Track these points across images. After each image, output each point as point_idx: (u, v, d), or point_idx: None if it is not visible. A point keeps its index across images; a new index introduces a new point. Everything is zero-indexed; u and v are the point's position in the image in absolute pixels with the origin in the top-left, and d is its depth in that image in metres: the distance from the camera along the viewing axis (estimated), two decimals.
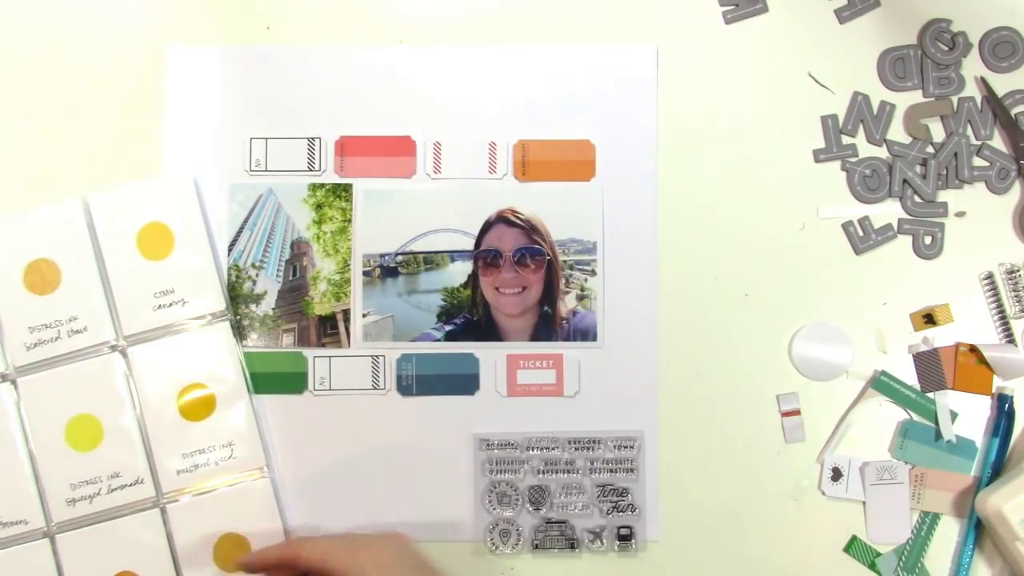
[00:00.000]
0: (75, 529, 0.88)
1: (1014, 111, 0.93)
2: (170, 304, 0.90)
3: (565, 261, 0.93)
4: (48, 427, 0.89)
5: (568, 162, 0.93)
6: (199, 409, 0.89)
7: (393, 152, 0.94)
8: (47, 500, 0.88)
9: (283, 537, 0.89)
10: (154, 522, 0.89)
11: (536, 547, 0.91)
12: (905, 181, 0.93)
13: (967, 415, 0.92)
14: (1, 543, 0.88)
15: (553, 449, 0.92)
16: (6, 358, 0.89)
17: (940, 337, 0.92)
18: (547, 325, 0.93)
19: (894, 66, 0.94)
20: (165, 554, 0.88)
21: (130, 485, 0.89)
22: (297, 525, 0.91)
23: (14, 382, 0.89)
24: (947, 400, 0.91)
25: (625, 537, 0.91)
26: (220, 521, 0.89)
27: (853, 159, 0.93)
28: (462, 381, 0.92)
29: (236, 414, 0.90)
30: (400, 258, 0.93)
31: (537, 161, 0.93)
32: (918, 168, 0.93)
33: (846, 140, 0.93)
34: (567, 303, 0.93)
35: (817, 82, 0.94)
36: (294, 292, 0.93)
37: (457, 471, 0.92)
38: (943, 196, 0.93)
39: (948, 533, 0.91)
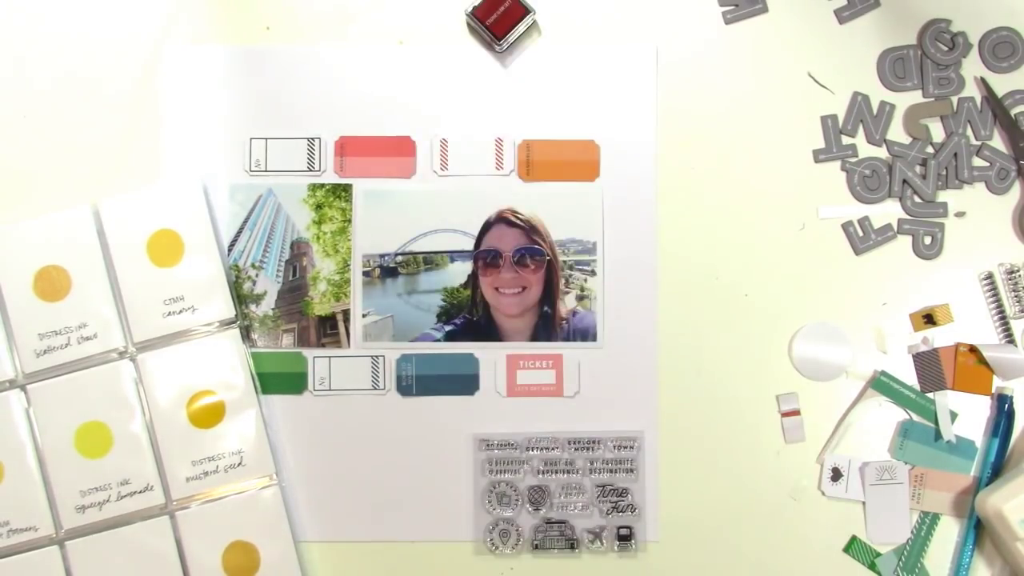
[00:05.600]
0: (84, 536, 0.88)
1: (1014, 111, 0.93)
2: (180, 311, 0.90)
3: (565, 261, 0.93)
4: (58, 434, 0.89)
5: (573, 162, 0.93)
6: (208, 416, 0.89)
7: (393, 152, 0.94)
8: (57, 507, 0.89)
9: (292, 546, 0.89)
10: (163, 529, 0.89)
11: (536, 547, 0.91)
12: (905, 181, 0.93)
13: (967, 415, 0.92)
14: (11, 550, 0.88)
15: (553, 449, 0.92)
16: (16, 365, 0.89)
17: (940, 337, 0.92)
18: (547, 325, 0.93)
19: (894, 66, 0.94)
20: (174, 561, 0.88)
21: (140, 492, 0.89)
22: (304, 530, 0.91)
23: (24, 389, 0.89)
24: (947, 400, 0.91)
25: (625, 537, 0.91)
26: (229, 529, 0.89)
27: (853, 159, 0.93)
28: (462, 381, 0.92)
29: (245, 421, 0.90)
30: (400, 258, 0.93)
31: (541, 161, 0.93)
32: (918, 168, 0.93)
33: (846, 140, 0.93)
34: (567, 303, 0.93)
35: (817, 82, 0.94)
36: (294, 292, 0.93)
37: (457, 471, 0.92)
38: (943, 196, 0.93)
39: (948, 533, 0.91)
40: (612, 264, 0.93)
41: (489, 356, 0.93)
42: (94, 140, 0.93)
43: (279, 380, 0.92)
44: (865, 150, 0.94)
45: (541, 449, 0.92)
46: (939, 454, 0.91)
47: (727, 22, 0.94)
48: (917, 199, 0.93)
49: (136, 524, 0.89)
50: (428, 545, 0.91)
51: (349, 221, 0.93)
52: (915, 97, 0.94)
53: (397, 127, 0.94)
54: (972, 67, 0.94)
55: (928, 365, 0.92)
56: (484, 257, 0.93)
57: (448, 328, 0.93)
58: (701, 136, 0.94)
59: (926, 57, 0.94)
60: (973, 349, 0.91)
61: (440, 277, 0.93)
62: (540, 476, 0.92)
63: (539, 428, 0.92)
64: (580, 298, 0.93)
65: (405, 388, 0.92)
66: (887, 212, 0.93)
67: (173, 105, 0.94)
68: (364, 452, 0.92)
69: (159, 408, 0.89)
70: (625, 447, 0.92)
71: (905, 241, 0.93)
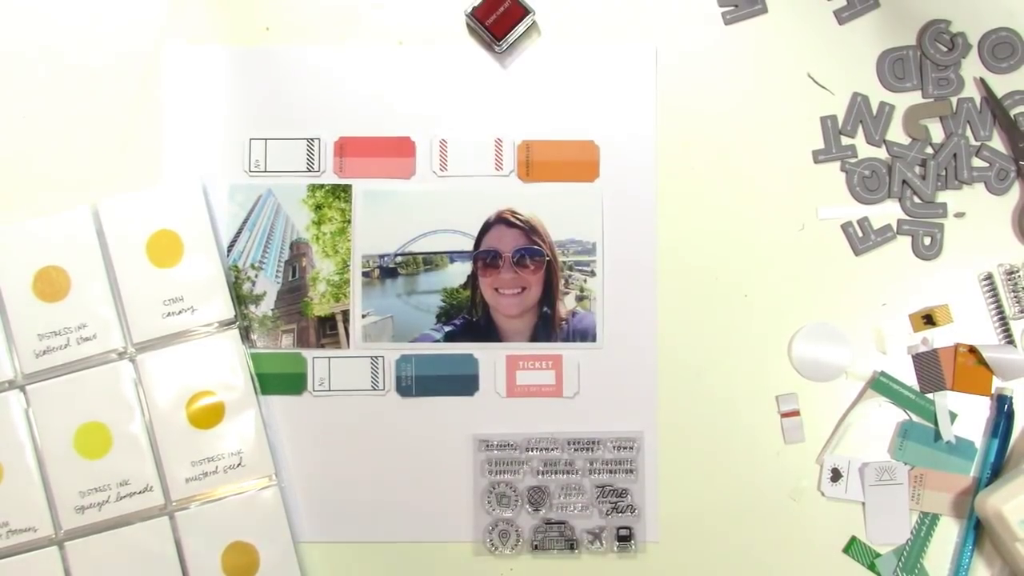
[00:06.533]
0: (84, 537, 0.88)
1: (1013, 112, 0.93)
2: (179, 312, 0.90)
3: (564, 262, 0.93)
4: (57, 434, 0.89)
5: (572, 163, 0.93)
6: (208, 417, 0.89)
7: (393, 153, 0.94)
8: (56, 507, 0.88)
9: (291, 546, 0.89)
10: (163, 530, 0.89)
11: (535, 548, 0.91)
12: (904, 182, 0.93)
13: (966, 416, 0.92)
14: (10, 550, 0.88)
15: (553, 450, 0.92)
16: (15, 365, 0.89)
17: (939, 338, 0.92)
18: (546, 326, 0.93)
19: (893, 67, 0.94)
20: (174, 562, 0.88)
21: (139, 493, 0.89)
22: (304, 530, 0.91)
23: (23, 389, 0.89)
24: (946, 401, 0.91)
25: (624, 538, 0.91)
26: (228, 529, 0.89)
27: (852, 160, 0.93)
28: (462, 382, 0.92)
29: (245, 422, 0.89)
30: (399, 259, 0.93)
31: (541, 162, 0.93)
32: (917, 169, 0.93)
33: (845, 141, 0.93)
34: (566, 304, 0.93)
35: (817, 83, 0.94)
36: (293, 293, 0.93)
37: (457, 471, 0.92)
38: (942, 197, 0.93)
39: (947, 534, 0.91)
40: (612, 264, 0.93)
41: (489, 356, 0.93)
42: (94, 140, 0.93)
43: (279, 380, 0.92)
44: (865, 150, 0.94)
45: (541, 450, 0.92)
46: (939, 455, 0.91)
47: (727, 22, 0.94)
48: (917, 199, 0.93)
49: (136, 525, 0.89)
50: (428, 545, 0.91)
51: (349, 221, 0.93)
52: (915, 97, 0.94)
53: (397, 127, 0.94)
54: (972, 67, 0.94)
55: (928, 365, 0.92)
56: (484, 257, 0.93)
57: (448, 329, 0.93)
58: (701, 136, 0.94)
59: (926, 58, 0.94)
60: (973, 349, 0.91)
61: (440, 277, 0.93)
62: (540, 477, 0.92)
63: (539, 429, 0.92)
64: (580, 298, 0.93)
65: (405, 388, 0.92)
66: (887, 212, 0.93)
67: (173, 105, 0.94)
68: (364, 452, 0.92)
69: (159, 408, 0.89)
70: (625, 448, 0.92)
71: (905, 241, 0.93)
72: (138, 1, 0.94)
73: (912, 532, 0.91)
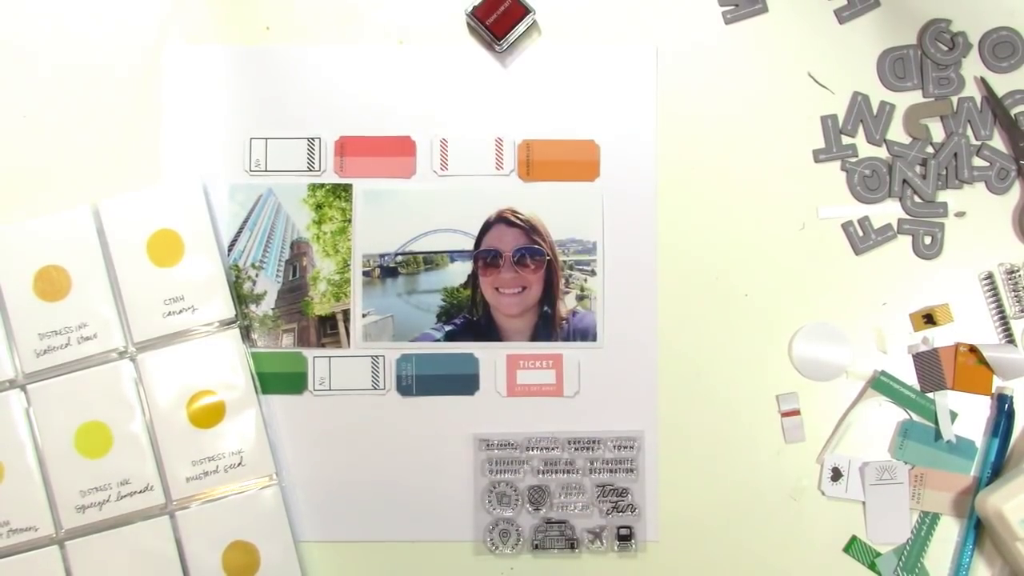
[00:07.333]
0: (85, 536, 0.88)
1: (1014, 111, 0.93)
2: (180, 311, 0.90)
3: (565, 261, 0.93)
4: (58, 434, 0.89)
5: (573, 162, 0.93)
6: (209, 416, 0.89)
7: (393, 152, 0.94)
8: (57, 507, 0.88)
9: (292, 545, 0.89)
10: (163, 529, 0.89)
11: (536, 547, 0.91)
12: (905, 181, 0.93)
13: (967, 415, 0.92)
14: (11, 549, 0.88)
15: (553, 449, 0.92)
16: (16, 365, 0.89)
17: (940, 337, 0.92)
18: (547, 325, 0.93)
19: (894, 66, 0.94)
20: (174, 561, 0.88)
21: (139, 492, 0.89)
22: (304, 530, 0.91)
23: (24, 389, 0.89)
24: (947, 400, 0.91)
25: (625, 537, 0.91)
26: (229, 528, 0.89)
27: (853, 159, 0.93)
28: (462, 381, 0.92)
29: (245, 421, 0.90)
30: (400, 258, 0.93)
31: (541, 161, 0.94)
32: (918, 168, 0.93)
33: (846, 140, 0.93)
34: (567, 303, 0.93)
35: (817, 82, 0.94)
36: (294, 292, 0.93)
37: (457, 471, 0.92)
38: (943, 196, 0.93)
39: (948, 533, 0.91)
40: (612, 264, 0.93)
41: (489, 356, 0.93)
42: (94, 140, 0.93)
43: (279, 380, 0.92)
44: (865, 150, 0.94)
45: (541, 449, 0.92)
46: (939, 454, 0.91)
47: (727, 22, 0.94)
48: (917, 199, 0.93)
49: (136, 524, 0.89)
50: (428, 545, 0.91)
51: (349, 221, 0.93)
52: (915, 97, 0.94)
53: (397, 127, 0.94)
54: (972, 67, 0.94)
55: (928, 365, 0.92)
56: (484, 257, 0.93)
57: (448, 328, 0.93)
58: (701, 136, 0.94)
59: (926, 57, 0.94)
60: (973, 349, 0.91)
61: (440, 277, 0.93)
62: (540, 476, 0.92)
63: (539, 428, 0.92)
64: (580, 298, 0.93)
65: (405, 388, 0.92)
66: (887, 212, 0.93)
67: (173, 105, 0.94)
68: (364, 452, 0.92)
69: (159, 408, 0.89)
70: (625, 447, 0.92)
71: (905, 241, 0.93)
72: (138, 1, 0.94)
73: (912, 531, 0.91)
